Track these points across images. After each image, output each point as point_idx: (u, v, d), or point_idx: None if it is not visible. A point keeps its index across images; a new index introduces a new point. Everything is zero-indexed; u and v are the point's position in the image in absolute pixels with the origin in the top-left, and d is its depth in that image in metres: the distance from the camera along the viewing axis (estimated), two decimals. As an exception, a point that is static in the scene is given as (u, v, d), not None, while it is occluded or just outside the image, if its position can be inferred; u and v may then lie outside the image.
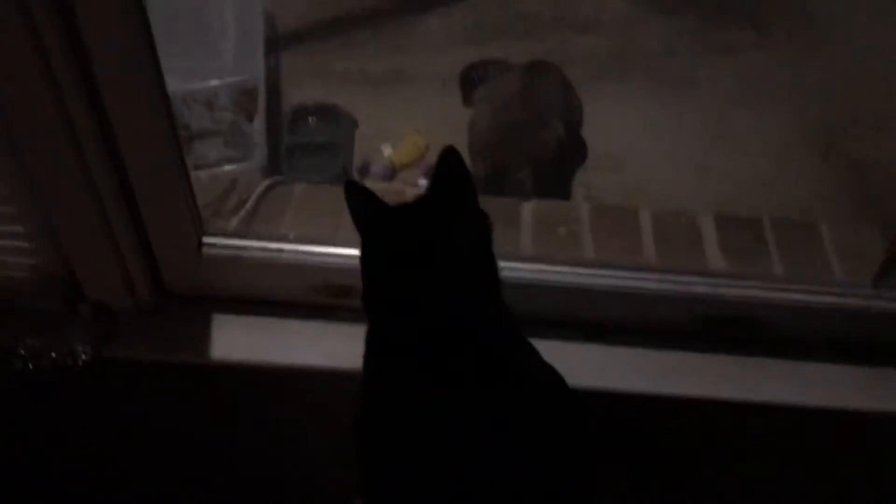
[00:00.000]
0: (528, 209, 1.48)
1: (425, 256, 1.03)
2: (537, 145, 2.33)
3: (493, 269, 1.07)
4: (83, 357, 1.27)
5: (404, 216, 1.07)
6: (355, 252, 1.11)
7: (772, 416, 1.29)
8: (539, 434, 0.99)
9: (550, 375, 1.05)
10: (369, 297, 1.08)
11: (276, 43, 2.81)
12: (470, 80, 2.61)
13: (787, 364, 1.30)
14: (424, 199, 1.07)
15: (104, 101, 1.09)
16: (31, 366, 1.26)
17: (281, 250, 1.31)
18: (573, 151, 2.48)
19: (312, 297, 1.33)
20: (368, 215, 1.07)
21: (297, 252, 1.31)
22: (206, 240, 1.31)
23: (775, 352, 1.31)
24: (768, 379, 1.29)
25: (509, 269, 1.17)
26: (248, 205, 1.44)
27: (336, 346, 1.29)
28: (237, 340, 1.31)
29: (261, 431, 1.45)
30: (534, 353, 1.07)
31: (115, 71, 1.06)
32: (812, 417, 1.28)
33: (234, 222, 1.41)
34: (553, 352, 1.06)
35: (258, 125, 2.43)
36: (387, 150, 2.53)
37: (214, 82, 2.38)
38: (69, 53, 1.04)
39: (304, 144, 2.53)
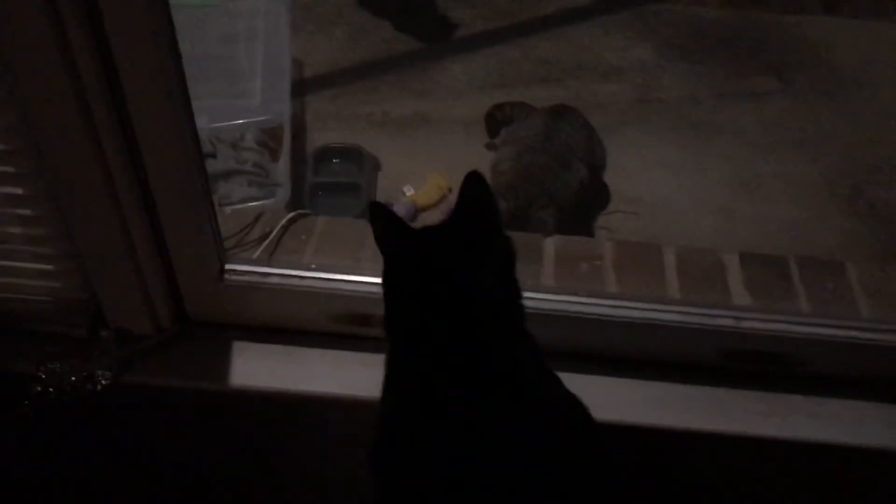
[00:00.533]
0: (551, 244, 1.48)
1: (448, 279, 1.02)
2: (560, 186, 2.33)
3: (517, 293, 1.07)
4: (103, 382, 1.27)
5: (428, 239, 1.07)
6: (376, 281, 1.12)
7: (796, 453, 1.27)
8: (561, 465, 0.97)
9: (574, 405, 1.04)
10: (391, 320, 1.07)
11: (302, 86, 2.85)
12: (494, 122, 2.63)
13: (813, 400, 1.28)
14: (448, 223, 1.07)
15: (136, 134, 1.12)
16: (50, 389, 1.26)
17: (302, 278, 1.31)
18: (595, 194, 2.48)
19: (332, 326, 1.33)
20: (392, 237, 1.07)
21: (317, 280, 1.31)
22: (229, 267, 1.31)
23: (801, 388, 1.29)
24: (794, 415, 1.27)
25: (531, 299, 1.16)
26: (272, 235, 1.44)
27: (354, 375, 1.28)
28: (257, 368, 1.31)
29: (278, 459, 1.44)
30: (557, 381, 1.05)
31: (147, 106, 1.09)
32: (838, 454, 1.26)
33: (256, 252, 1.42)
34: (575, 384, 1.05)
35: (283, 165, 2.44)
36: (409, 191, 2.53)
37: (241, 122, 2.40)
38: (106, 89, 1.07)
39: (327, 184, 2.54)
